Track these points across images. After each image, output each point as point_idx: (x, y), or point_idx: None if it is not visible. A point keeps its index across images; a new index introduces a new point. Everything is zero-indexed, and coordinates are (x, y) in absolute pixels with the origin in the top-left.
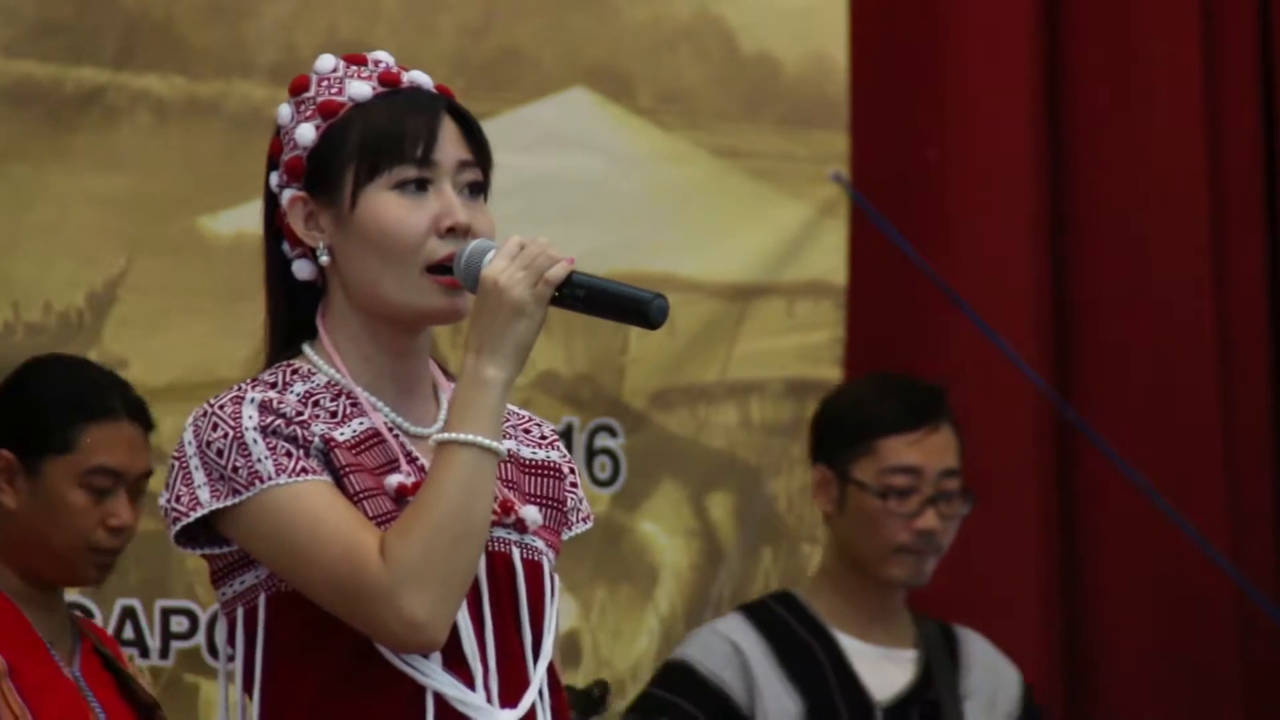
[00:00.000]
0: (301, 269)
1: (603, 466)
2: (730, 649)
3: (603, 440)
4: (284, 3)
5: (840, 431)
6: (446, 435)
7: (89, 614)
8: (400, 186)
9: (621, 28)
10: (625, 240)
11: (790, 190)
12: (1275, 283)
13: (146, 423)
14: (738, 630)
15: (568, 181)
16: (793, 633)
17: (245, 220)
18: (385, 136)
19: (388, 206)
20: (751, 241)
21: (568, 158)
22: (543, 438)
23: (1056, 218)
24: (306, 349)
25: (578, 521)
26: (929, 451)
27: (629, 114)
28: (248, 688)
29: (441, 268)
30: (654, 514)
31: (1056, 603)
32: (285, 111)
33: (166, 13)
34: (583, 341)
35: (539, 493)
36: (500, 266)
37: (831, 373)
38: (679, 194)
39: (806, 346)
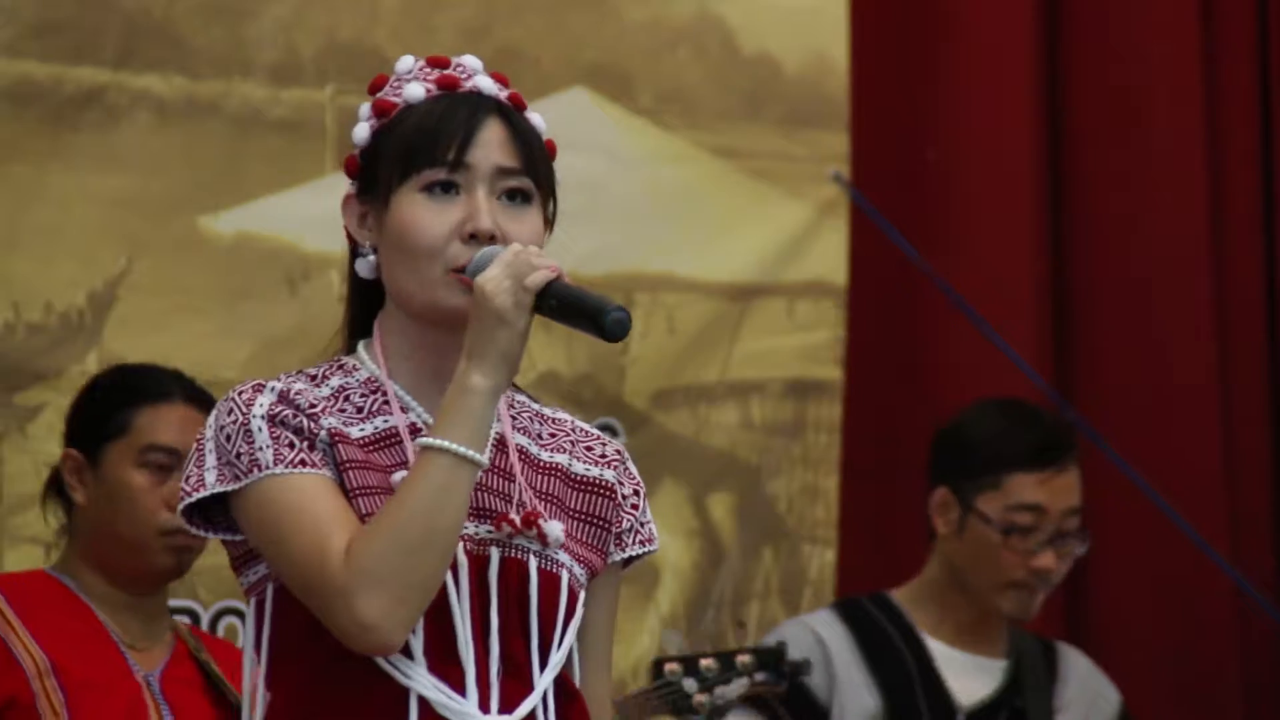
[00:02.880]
0: (362, 267)
1: None
2: (813, 640)
3: None
4: (284, 3)
5: (968, 459)
6: (425, 440)
7: None
8: (429, 189)
9: (622, 28)
10: (626, 240)
11: (790, 190)
12: (1275, 283)
13: (206, 406)
14: (825, 624)
15: (568, 181)
16: (882, 632)
17: (246, 220)
18: (420, 138)
19: (414, 209)
20: (752, 241)
21: (568, 158)
22: (603, 456)
23: (1056, 217)
24: (360, 347)
25: (634, 544)
26: (1056, 491)
27: (629, 114)
28: (257, 676)
29: (462, 270)
30: (655, 514)
31: (1056, 602)
32: (363, 110)
33: (166, 13)
34: (584, 341)
35: (583, 509)
36: (491, 274)
37: (832, 372)
38: (679, 194)
39: (807, 346)
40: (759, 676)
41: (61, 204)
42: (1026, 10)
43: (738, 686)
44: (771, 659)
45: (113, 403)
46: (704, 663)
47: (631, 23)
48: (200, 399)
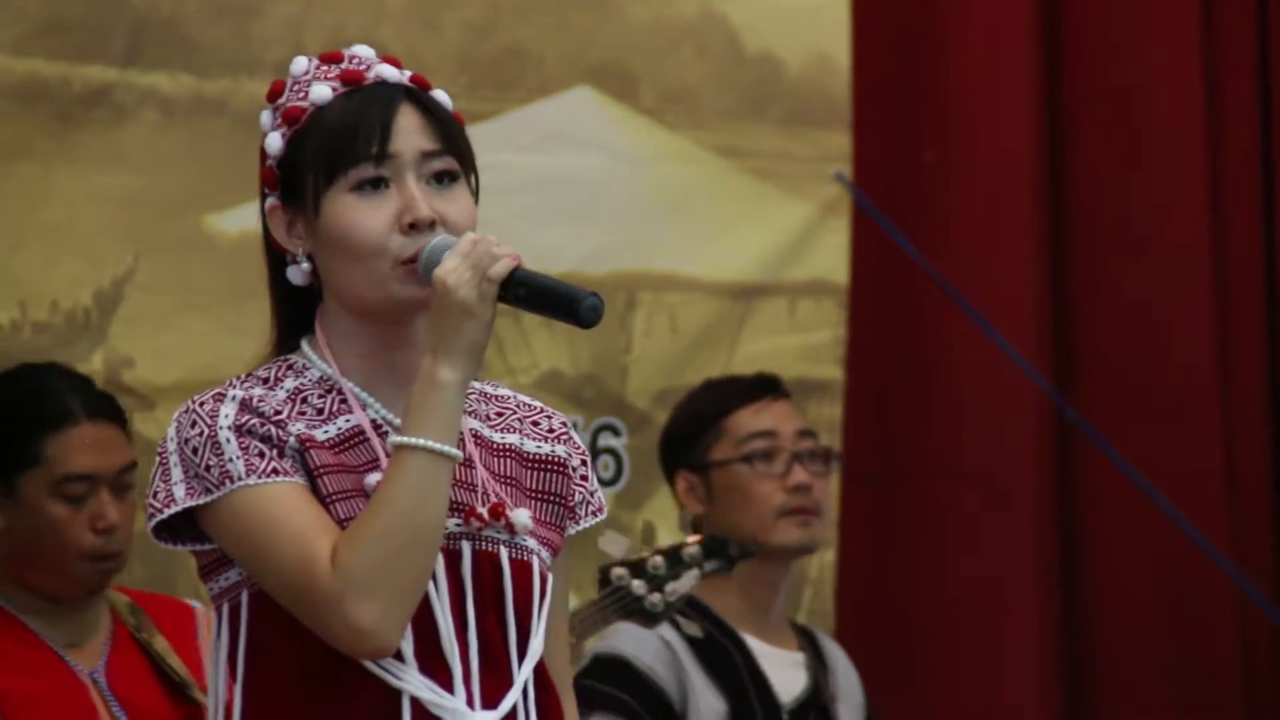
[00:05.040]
0: (294, 274)
1: (606, 466)
2: (661, 644)
3: (606, 440)
4: (291, 1)
5: (686, 433)
6: (398, 439)
7: None
8: (359, 188)
9: (625, 27)
10: (628, 239)
11: (792, 189)
12: (1275, 282)
13: (114, 416)
14: (662, 627)
15: (571, 180)
16: (707, 632)
17: (251, 219)
18: (338, 138)
19: (347, 211)
20: (754, 241)
21: (571, 157)
22: (550, 430)
23: (1056, 218)
24: (304, 344)
25: (587, 515)
26: (778, 416)
27: (632, 113)
28: (232, 683)
29: (410, 261)
30: (657, 513)
31: (1056, 602)
32: (265, 118)
33: (174, 11)
34: (586, 341)
35: (540, 488)
36: (450, 266)
37: (833, 372)
38: (682, 193)
39: (808, 346)
40: (709, 565)
41: (68, 202)
42: (1026, 10)
43: (689, 579)
44: (718, 545)
45: (19, 430)
46: (651, 561)
47: (635, 22)
48: (104, 410)
